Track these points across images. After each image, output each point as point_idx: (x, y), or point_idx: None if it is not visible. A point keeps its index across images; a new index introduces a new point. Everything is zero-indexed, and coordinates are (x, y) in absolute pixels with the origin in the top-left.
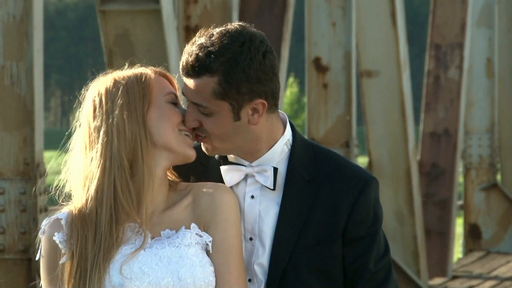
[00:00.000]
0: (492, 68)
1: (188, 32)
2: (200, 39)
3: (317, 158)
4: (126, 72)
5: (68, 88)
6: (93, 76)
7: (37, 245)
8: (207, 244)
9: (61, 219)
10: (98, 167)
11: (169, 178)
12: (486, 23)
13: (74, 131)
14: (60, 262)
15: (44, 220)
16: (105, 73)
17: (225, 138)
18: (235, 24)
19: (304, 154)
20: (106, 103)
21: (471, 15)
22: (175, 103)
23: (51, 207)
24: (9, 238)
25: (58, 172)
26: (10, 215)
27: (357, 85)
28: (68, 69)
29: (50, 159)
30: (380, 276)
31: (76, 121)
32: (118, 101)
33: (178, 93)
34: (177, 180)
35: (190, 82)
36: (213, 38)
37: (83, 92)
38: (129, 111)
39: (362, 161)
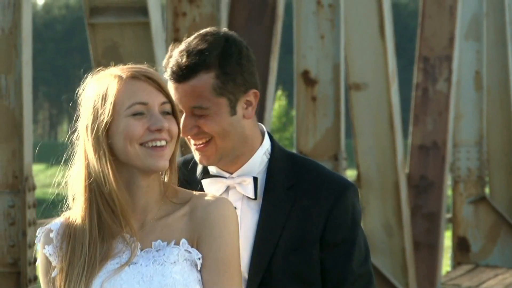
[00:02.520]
0: (481, 81)
1: (177, 45)
2: (181, 46)
3: (296, 166)
4: (100, 78)
5: (56, 101)
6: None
7: (27, 256)
8: (197, 261)
9: (52, 230)
10: (80, 181)
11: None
12: (475, 36)
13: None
14: (52, 276)
15: (39, 229)
16: (99, 70)
17: (226, 135)
18: (206, 29)
19: (283, 163)
20: (82, 114)
21: (459, 28)
22: (140, 113)
23: (40, 220)
24: None
25: (47, 185)
26: None
27: (346, 98)
28: (55, 81)
29: (38, 171)
30: (363, 281)
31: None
32: (83, 115)
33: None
34: (177, 187)
35: (184, 87)
36: (196, 41)
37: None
38: (92, 129)
39: (350, 173)
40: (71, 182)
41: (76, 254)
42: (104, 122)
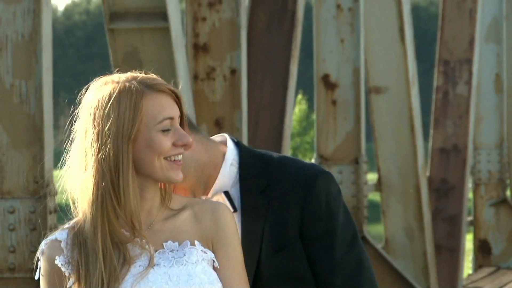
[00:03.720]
0: (501, 84)
1: (197, 50)
2: None
3: (267, 167)
4: (123, 87)
5: (77, 107)
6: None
7: (35, 264)
8: (213, 261)
9: (61, 241)
10: (91, 190)
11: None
12: (494, 38)
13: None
14: (68, 286)
15: (43, 241)
16: (106, 75)
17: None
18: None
19: (253, 167)
20: (100, 120)
21: (479, 31)
22: (168, 129)
23: (61, 226)
24: (19, 257)
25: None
26: (20, 234)
27: (366, 102)
28: (76, 87)
29: (59, 177)
30: (351, 267)
31: (73, 130)
32: (108, 126)
33: (183, 108)
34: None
35: None
36: None
37: (81, 96)
38: (115, 138)
39: (371, 177)
40: (74, 188)
41: (91, 262)
42: (130, 133)
